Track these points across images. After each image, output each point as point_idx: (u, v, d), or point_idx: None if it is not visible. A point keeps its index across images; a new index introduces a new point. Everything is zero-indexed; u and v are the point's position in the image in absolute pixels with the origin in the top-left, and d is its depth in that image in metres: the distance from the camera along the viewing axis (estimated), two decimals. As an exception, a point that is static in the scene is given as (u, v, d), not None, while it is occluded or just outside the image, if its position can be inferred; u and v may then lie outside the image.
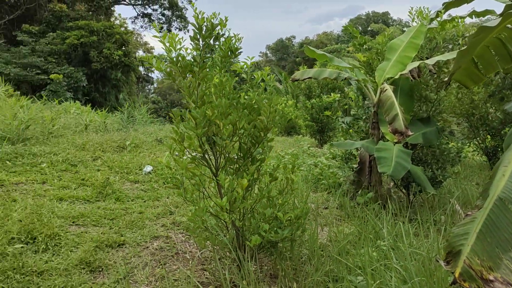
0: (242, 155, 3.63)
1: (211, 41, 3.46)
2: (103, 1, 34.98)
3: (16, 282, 3.47)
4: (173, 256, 4.21)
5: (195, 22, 3.38)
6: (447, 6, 5.58)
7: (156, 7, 42.19)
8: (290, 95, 22.51)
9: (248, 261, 3.37)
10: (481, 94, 8.66)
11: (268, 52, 76.81)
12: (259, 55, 77.05)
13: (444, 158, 5.80)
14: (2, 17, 30.70)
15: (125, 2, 41.48)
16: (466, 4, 5.36)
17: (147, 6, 42.32)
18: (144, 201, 5.95)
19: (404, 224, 4.33)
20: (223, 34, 3.51)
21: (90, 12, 34.10)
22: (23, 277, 3.55)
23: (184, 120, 3.50)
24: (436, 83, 5.87)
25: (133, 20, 44.09)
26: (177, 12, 41.76)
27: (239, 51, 3.81)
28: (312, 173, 7.64)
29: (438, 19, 6.24)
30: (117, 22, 37.25)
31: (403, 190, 6.06)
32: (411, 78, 5.56)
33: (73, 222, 4.89)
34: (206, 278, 3.76)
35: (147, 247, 4.39)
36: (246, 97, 3.62)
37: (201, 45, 3.42)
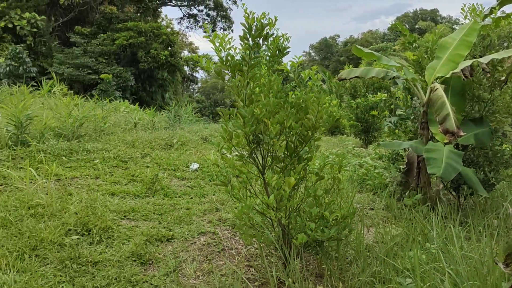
0: (288, 153, 3.65)
1: (260, 41, 3.51)
2: (151, 3, 36.01)
3: (73, 271, 3.66)
4: (219, 252, 4.30)
5: (244, 22, 3.44)
6: (501, 2, 5.36)
7: (201, 7, 42.99)
8: (334, 94, 22.28)
9: (294, 259, 3.40)
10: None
11: (311, 51, 76.33)
12: (302, 54, 76.70)
13: (497, 160, 5.58)
14: (57, 19, 32.29)
15: (171, 4, 42.51)
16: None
17: (192, 7, 43.20)
18: (191, 198, 6.11)
19: (454, 227, 4.21)
20: (272, 34, 3.55)
21: (138, 14, 35.21)
22: (79, 267, 3.74)
23: (232, 119, 3.57)
24: (490, 82, 5.65)
25: (179, 21, 45.21)
26: (221, 13, 42.34)
27: (287, 50, 3.85)
28: (357, 173, 7.55)
29: (492, 16, 5.99)
30: (164, 23, 38.32)
31: (453, 193, 5.88)
32: (463, 77, 5.38)
33: (124, 216, 5.10)
34: (252, 274, 3.82)
35: (195, 242, 4.51)
36: (293, 96, 3.64)
37: (250, 45, 3.48)
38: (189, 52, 48.27)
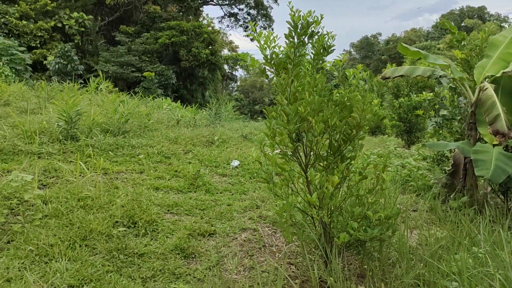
0: (332, 152, 3.63)
1: (306, 39, 3.51)
2: (192, 2, 36.58)
3: (120, 262, 3.81)
4: (260, 249, 4.35)
5: (290, 20, 3.46)
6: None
7: (242, 6, 43.21)
8: (375, 93, 21.88)
9: (335, 258, 3.38)
10: None
11: (352, 50, 75.16)
12: (343, 53, 75.61)
13: (550, 163, 5.31)
14: (103, 19, 33.40)
15: (213, 3, 42.98)
16: None
17: (233, 6, 43.49)
18: (232, 194, 6.19)
19: (503, 232, 4.05)
20: (318, 32, 3.54)
21: (180, 13, 35.87)
22: (126, 258, 3.89)
23: (275, 117, 3.59)
24: (544, 81, 5.39)
25: (220, 19, 45.56)
26: (262, 11, 42.41)
27: (331, 48, 3.82)
28: (400, 174, 7.40)
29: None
30: (205, 22, 38.83)
31: (501, 196, 5.66)
32: (515, 76, 5.17)
33: (168, 210, 5.24)
34: (293, 271, 3.84)
35: (236, 238, 4.57)
36: (337, 94, 3.62)
37: (295, 43, 3.49)
38: (229, 50, 48.74)
